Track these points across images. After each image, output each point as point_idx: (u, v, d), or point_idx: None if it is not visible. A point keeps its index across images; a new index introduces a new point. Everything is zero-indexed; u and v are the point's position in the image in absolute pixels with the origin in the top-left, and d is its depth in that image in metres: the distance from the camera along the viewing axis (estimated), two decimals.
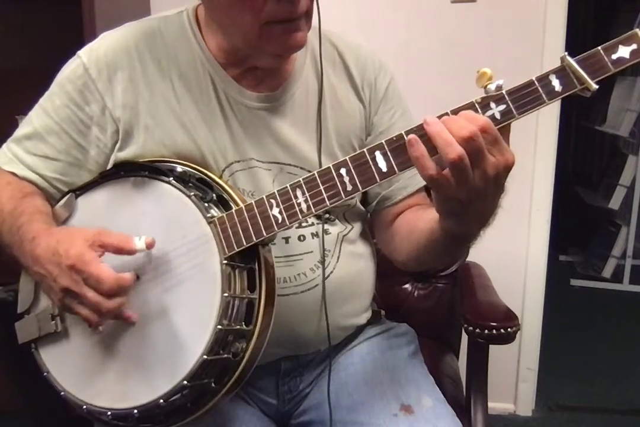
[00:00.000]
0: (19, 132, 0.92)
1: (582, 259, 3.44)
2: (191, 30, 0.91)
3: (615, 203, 3.17)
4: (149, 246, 0.75)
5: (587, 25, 3.98)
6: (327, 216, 0.95)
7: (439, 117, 0.69)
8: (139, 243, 0.74)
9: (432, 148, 0.67)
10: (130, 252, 0.75)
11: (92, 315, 0.74)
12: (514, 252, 1.92)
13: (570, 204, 3.43)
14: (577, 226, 3.60)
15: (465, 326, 1.11)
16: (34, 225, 0.80)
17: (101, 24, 1.55)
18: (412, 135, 0.67)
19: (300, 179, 0.75)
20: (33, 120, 0.91)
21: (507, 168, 0.68)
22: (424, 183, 0.97)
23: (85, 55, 0.89)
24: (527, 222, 1.91)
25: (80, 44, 0.91)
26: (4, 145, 0.93)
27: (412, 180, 0.98)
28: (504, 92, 0.68)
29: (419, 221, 0.90)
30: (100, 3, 1.57)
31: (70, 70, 0.89)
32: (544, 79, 0.67)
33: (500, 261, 1.78)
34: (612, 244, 3.20)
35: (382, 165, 0.72)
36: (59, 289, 0.75)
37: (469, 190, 0.67)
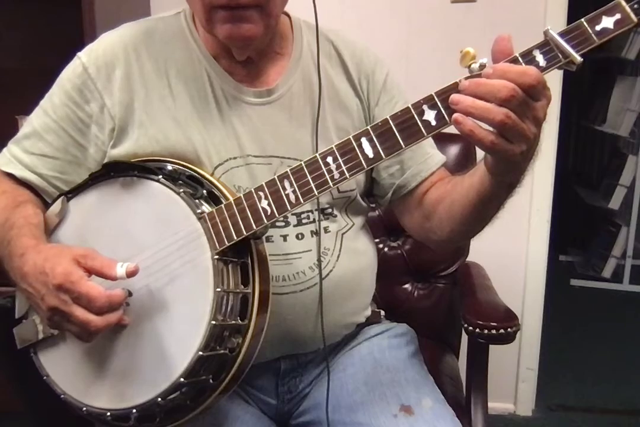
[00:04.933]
0: (19, 133, 0.92)
1: (582, 259, 3.44)
2: (188, 30, 0.92)
3: (615, 203, 3.17)
4: (130, 273, 0.73)
5: None
6: (329, 210, 0.95)
7: (425, 100, 0.69)
8: (120, 270, 0.73)
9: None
10: (111, 278, 0.74)
11: (81, 333, 0.74)
12: (514, 252, 1.92)
13: (570, 204, 3.42)
14: (577, 226, 3.60)
15: (465, 326, 1.11)
16: (23, 240, 0.80)
17: (101, 24, 1.55)
18: (455, 115, 0.65)
19: (288, 169, 0.75)
20: (33, 121, 0.92)
21: (549, 101, 0.67)
22: (436, 167, 0.98)
23: (85, 55, 0.90)
24: (527, 222, 1.90)
25: (81, 44, 0.92)
26: (5, 148, 0.94)
27: (424, 165, 0.98)
28: None
29: (454, 194, 0.88)
30: (100, 3, 1.57)
31: (69, 70, 0.91)
32: (527, 54, 0.67)
33: (500, 261, 1.78)
34: (612, 244, 3.20)
35: (369, 151, 0.71)
36: (46, 308, 0.74)
37: (528, 140, 0.67)
